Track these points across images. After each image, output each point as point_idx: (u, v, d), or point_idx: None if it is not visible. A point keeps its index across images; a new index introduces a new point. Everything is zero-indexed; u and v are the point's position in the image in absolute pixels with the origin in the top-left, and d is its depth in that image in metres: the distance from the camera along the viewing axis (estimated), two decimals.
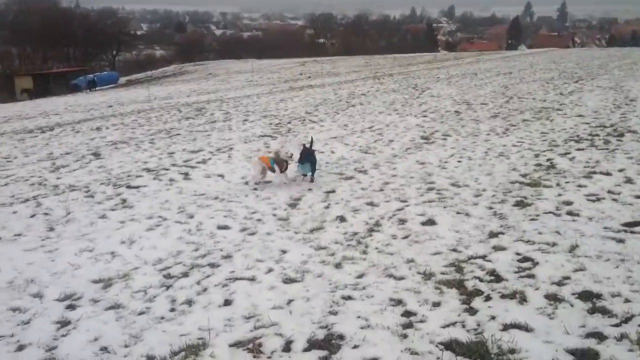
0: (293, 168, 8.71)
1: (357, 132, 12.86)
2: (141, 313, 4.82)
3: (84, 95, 38.48)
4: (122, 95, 31.95)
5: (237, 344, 4.23)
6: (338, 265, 5.55)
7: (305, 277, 5.33)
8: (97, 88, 48.94)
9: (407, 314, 4.51)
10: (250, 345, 4.18)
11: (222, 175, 9.55)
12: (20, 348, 4.34)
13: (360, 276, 5.27)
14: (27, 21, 72.30)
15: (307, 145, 8.82)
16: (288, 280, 5.28)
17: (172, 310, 4.84)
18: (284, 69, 40.68)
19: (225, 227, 6.95)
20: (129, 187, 9.10)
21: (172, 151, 11.93)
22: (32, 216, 7.78)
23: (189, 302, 4.95)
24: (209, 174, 9.73)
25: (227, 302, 4.92)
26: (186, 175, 9.67)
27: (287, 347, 4.16)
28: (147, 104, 23.66)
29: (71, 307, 5.00)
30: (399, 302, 4.71)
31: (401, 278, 5.16)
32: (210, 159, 10.92)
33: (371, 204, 7.51)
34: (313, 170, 8.71)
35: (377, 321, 4.39)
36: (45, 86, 52.30)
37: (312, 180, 8.75)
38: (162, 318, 4.71)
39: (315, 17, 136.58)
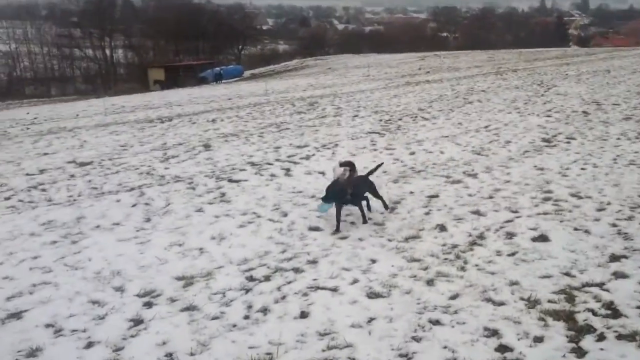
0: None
1: (471, 131, 12.05)
2: (215, 318, 4.59)
3: (209, 88, 39.96)
4: (243, 88, 32.75)
5: None
6: (430, 282, 5.01)
7: (392, 292, 4.85)
8: (223, 81, 50.70)
9: (502, 348, 3.91)
10: None
11: (322, 173, 9.24)
12: (89, 345, 4.24)
13: (454, 297, 4.71)
14: (163, 16, 76.61)
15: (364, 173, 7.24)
16: (372, 295, 4.83)
17: (246, 317, 4.57)
18: (402, 64, 39.84)
19: (317, 229, 6.62)
20: (230, 180, 9.03)
21: (278, 145, 11.80)
22: (134, 206, 7.89)
23: (265, 311, 4.65)
24: (310, 170, 9.46)
25: (304, 315, 4.56)
26: (287, 171, 9.46)
27: None
28: (264, 97, 23.97)
29: (148, 305, 4.88)
30: (495, 332, 4.11)
31: (501, 303, 4.54)
32: (314, 155, 10.65)
33: (477, 212, 6.84)
34: (359, 204, 6.79)
35: (465, 354, 3.84)
36: (175, 78, 54.94)
37: (386, 209, 7.10)
38: (234, 326, 4.44)
39: (438, 10, 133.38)
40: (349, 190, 6.48)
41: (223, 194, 8.25)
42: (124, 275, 5.52)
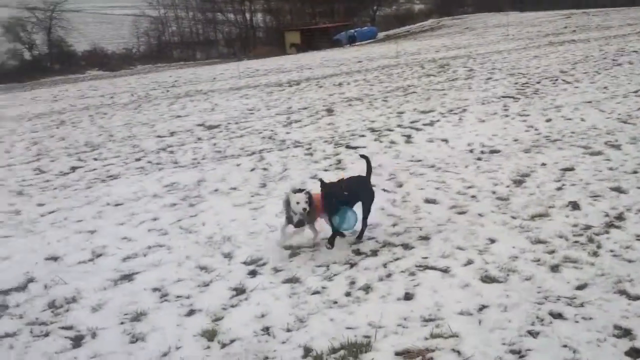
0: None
1: (618, 96, 10.81)
2: (315, 292, 4.41)
3: (342, 50, 39.82)
4: (375, 50, 32.21)
5: (403, 353, 3.55)
6: (555, 268, 4.47)
7: (510, 278, 4.38)
8: (356, 43, 50.39)
9: (635, 353, 3.35)
10: (419, 359, 3.47)
11: (445, 140, 8.73)
12: (190, 313, 4.25)
13: (581, 287, 4.15)
14: None
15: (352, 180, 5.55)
16: (487, 279, 4.39)
17: (348, 294, 4.34)
18: (546, 22, 37.00)
19: (433, 202, 6.21)
20: (348, 147, 8.81)
21: (402, 110, 11.38)
22: (252, 170, 7.92)
23: (367, 289, 4.39)
24: (433, 137, 8.97)
25: (408, 296, 4.24)
26: (408, 138, 9.05)
27: None
28: (394, 59, 23.38)
29: (252, 274, 4.81)
30: (627, 332, 3.55)
31: (637, 297, 3.92)
32: (438, 120, 10.12)
33: (618, 189, 6.06)
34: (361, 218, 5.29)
35: (589, 356, 3.34)
36: (310, 41, 55.45)
37: (359, 239, 5.36)
38: (335, 303, 4.24)
39: None
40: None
41: (339, 161, 8.06)
42: (234, 241, 5.51)
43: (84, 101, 18.70)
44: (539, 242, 4.97)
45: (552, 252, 4.76)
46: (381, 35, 59.10)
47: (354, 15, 76.87)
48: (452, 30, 44.94)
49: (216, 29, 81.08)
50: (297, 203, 4.90)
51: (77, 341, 3.94)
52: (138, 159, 9.04)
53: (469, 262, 4.70)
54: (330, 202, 5.04)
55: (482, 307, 4.00)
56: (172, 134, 10.89)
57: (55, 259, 5.35)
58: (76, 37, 60.40)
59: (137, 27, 69.22)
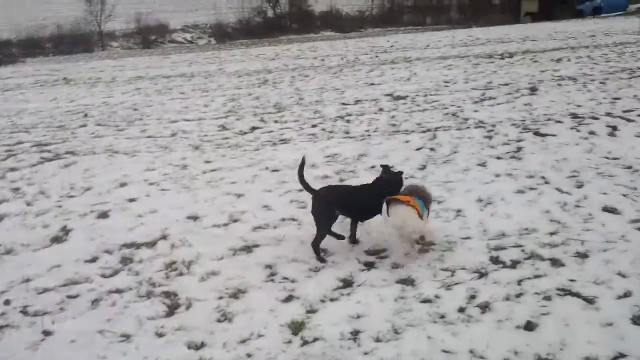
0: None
1: None
2: (426, 301, 3.91)
3: (582, 22, 36.07)
4: (618, 24, 28.49)
5: None
6: None
7: None
8: (602, 15, 45.38)
9: None
10: None
11: None
12: (288, 299, 4.03)
13: None
14: None
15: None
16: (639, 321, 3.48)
17: (461, 310, 3.76)
18: None
19: (613, 211, 5.17)
20: (536, 133, 7.81)
21: (618, 96, 9.81)
22: (418, 149, 7.44)
23: (485, 307, 3.76)
24: None
25: (530, 326, 3.54)
26: (613, 130, 7.74)
27: None
28: (634, 36, 20.41)
29: (368, 266, 4.45)
30: None
31: None
32: None
33: None
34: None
35: None
36: (549, 10, 51.25)
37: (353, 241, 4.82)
38: (442, 317, 3.71)
39: None
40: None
41: (519, 149, 7.16)
42: (366, 226, 5.14)
43: (297, 62, 19.44)
44: None
45: None
46: (633, 7, 52.31)
47: None
48: None
49: None
50: None
51: (172, 309, 3.97)
52: (314, 125, 9.04)
53: (626, 295, 3.79)
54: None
55: (617, 357, 3.17)
56: (356, 102, 10.72)
57: (195, 218, 5.52)
58: None
59: None
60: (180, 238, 5.04)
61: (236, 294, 4.10)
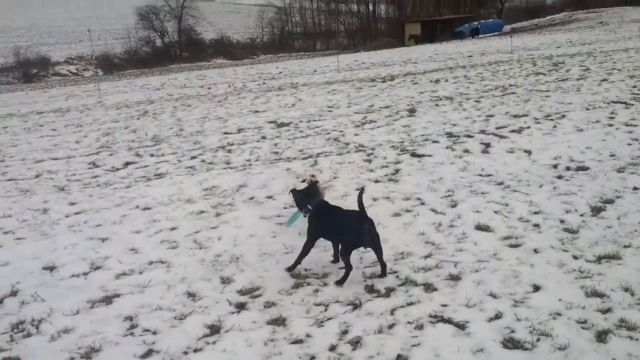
0: None
1: None
2: (296, 341, 3.67)
3: (459, 44, 38.01)
4: (492, 44, 30.23)
5: None
6: (602, 336, 3.40)
7: (539, 345, 3.40)
8: (480, 36, 48.13)
9: None
10: None
11: (529, 152, 7.57)
12: (147, 354, 3.66)
13: None
14: None
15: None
16: (509, 344, 3.44)
17: (332, 348, 3.57)
18: None
19: (486, 229, 5.23)
20: (413, 154, 7.90)
21: (492, 114, 10.20)
22: (298, 177, 7.25)
23: (356, 343, 3.59)
24: (515, 147, 7.83)
25: (400, 359, 3.38)
26: (486, 147, 7.97)
27: None
28: (507, 54, 21.69)
29: (239, 307, 4.16)
30: None
31: None
32: (529, 127, 8.89)
33: None
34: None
35: None
36: (431, 33, 53.68)
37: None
38: (312, 359, 3.47)
39: None
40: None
41: (396, 171, 7.19)
42: (241, 263, 4.91)
43: (182, 91, 18.95)
44: (595, 294, 3.92)
45: (607, 310, 3.69)
46: (507, 28, 55.97)
47: (481, 6, 73.74)
48: (583, 25, 41.46)
49: (338, 20, 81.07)
50: None
51: None
52: (193, 157, 8.69)
53: (497, 317, 3.75)
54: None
55: None
56: (239, 130, 10.48)
57: (51, 269, 5.01)
58: (205, 26, 62.87)
59: (263, 17, 70.76)
60: (32, 293, 4.53)
61: (89, 354, 3.68)
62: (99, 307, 4.30)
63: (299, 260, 4.63)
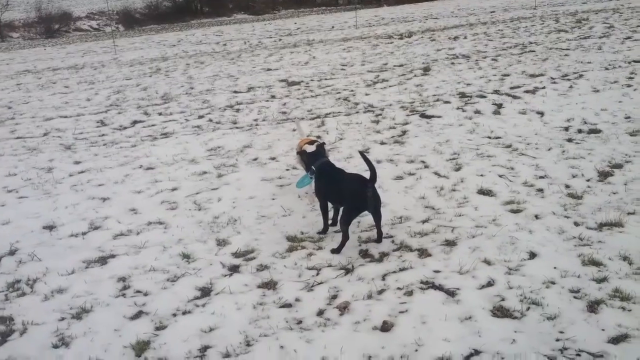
0: None
1: None
2: (285, 305, 3.66)
3: None
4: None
5: None
6: (594, 306, 3.33)
7: (528, 314, 3.34)
8: None
9: None
10: None
11: (541, 113, 7.39)
12: (137, 315, 3.68)
13: (618, 340, 3.03)
14: None
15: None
16: (499, 312, 3.39)
17: (320, 313, 3.55)
18: None
19: (488, 193, 5.13)
20: (422, 115, 7.75)
21: (507, 72, 9.95)
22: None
23: (344, 308, 3.56)
24: (528, 109, 7.64)
25: (386, 327, 3.36)
26: (498, 108, 7.79)
27: None
28: (530, 10, 21.02)
29: (232, 270, 4.15)
30: None
31: None
32: (543, 87, 8.66)
33: None
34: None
35: None
36: None
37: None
38: (299, 323, 3.48)
39: None
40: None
41: (403, 133, 7.07)
42: (238, 225, 4.89)
43: (198, 47, 18.75)
44: (592, 263, 3.83)
45: (602, 280, 3.61)
46: None
47: None
48: None
49: None
50: None
51: (4, 337, 3.53)
52: (200, 117, 8.63)
53: (489, 284, 3.70)
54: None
55: (472, 355, 3.04)
56: (249, 89, 10.36)
57: (51, 228, 5.05)
58: None
59: None
60: (30, 252, 4.57)
61: (80, 314, 3.71)
62: (94, 267, 4.33)
63: (325, 224, 4.63)
